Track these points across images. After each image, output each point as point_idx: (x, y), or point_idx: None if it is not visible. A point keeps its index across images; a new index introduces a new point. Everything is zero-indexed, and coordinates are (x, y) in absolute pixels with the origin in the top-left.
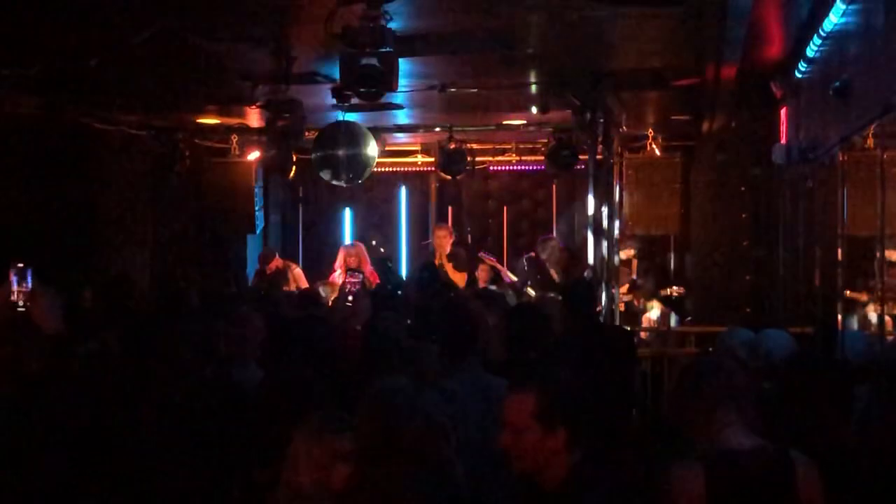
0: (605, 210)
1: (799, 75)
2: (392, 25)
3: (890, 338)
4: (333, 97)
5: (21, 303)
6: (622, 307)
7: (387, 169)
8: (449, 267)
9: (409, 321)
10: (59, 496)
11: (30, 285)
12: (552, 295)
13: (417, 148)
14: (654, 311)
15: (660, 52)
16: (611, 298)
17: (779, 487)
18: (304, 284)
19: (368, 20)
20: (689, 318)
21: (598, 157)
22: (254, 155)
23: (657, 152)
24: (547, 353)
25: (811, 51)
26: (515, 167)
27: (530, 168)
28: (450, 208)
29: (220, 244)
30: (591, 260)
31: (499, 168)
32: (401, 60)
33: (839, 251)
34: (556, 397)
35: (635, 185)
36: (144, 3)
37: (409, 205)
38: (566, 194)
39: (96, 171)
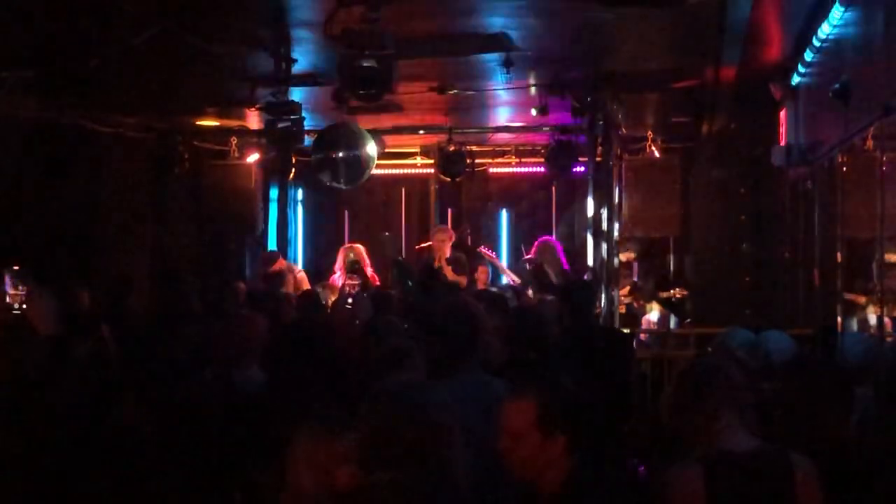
0: (604, 212)
1: (798, 77)
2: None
3: (889, 339)
4: (333, 99)
5: (17, 305)
6: (622, 309)
7: (386, 171)
8: (448, 270)
9: (406, 324)
10: (57, 498)
11: (26, 287)
12: (550, 297)
13: (417, 150)
14: (653, 313)
15: (659, 54)
16: (610, 300)
17: (778, 489)
18: (307, 287)
19: (367, 22)
20: (689, 320)
21: (598, 158)
22: (253, 157)
23: (657, 154)
24: (545, 355)
25: (810, 53)
26: (515, 169)
27: (530, 170)
28: (449, 210)
29: (220, 246)
30: (590, 262)
31: (498, 170)
32: (400, 62)
33: (838, 253)
34: (557, 405)
35: (635, 186)
36: (144, 5)
37: (409, 207)
38: (566, 196)
39: (96, 174)
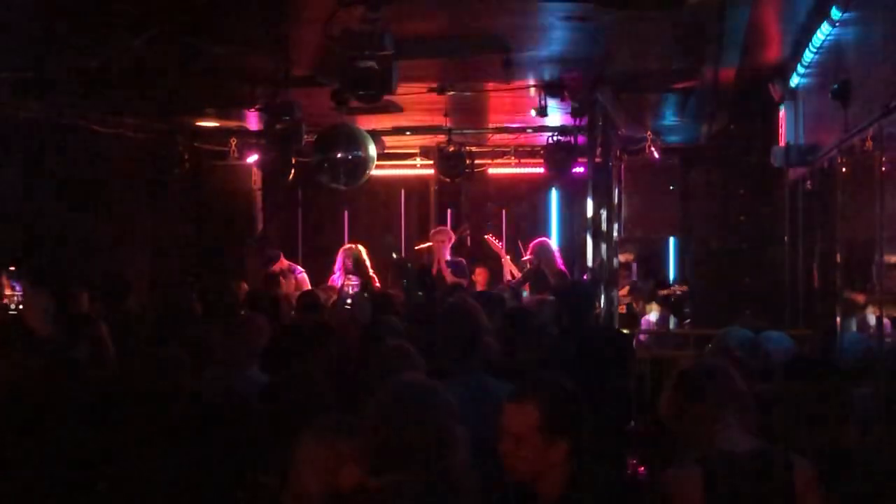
0: (604, 213)
1: (798, 78)
2: (391, 28)
3: (888, 340)
4: (332, 100)
5: (13, 305)
6: (623, 309)
7: (386, 172)
8: (447, 272)
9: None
10: (57, 499)
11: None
12: (550, 297)
13: (416, 151)
14: (653, 314)
15: (659, 55)
16: (610, 301)
17: (777, 489)
18: (307, 287)
19: (367, 23)
20: (689, 321)
21: (597, 159)
22: (253, 157)
23: (656, 155)
24: (544, 356)
25: (810, 53)
26: (514, 170)
27: (529, 171)
28: (448, 211)
29: (220, 247)
30: (589, 262)
31: (498, 171)
32: (399, 63)
33: (838, 253)
34: (560, 410)
35: (634, 187)
36: (144, 6)
37: (408, 208)
38: (565, 197)
39: (95, 174)
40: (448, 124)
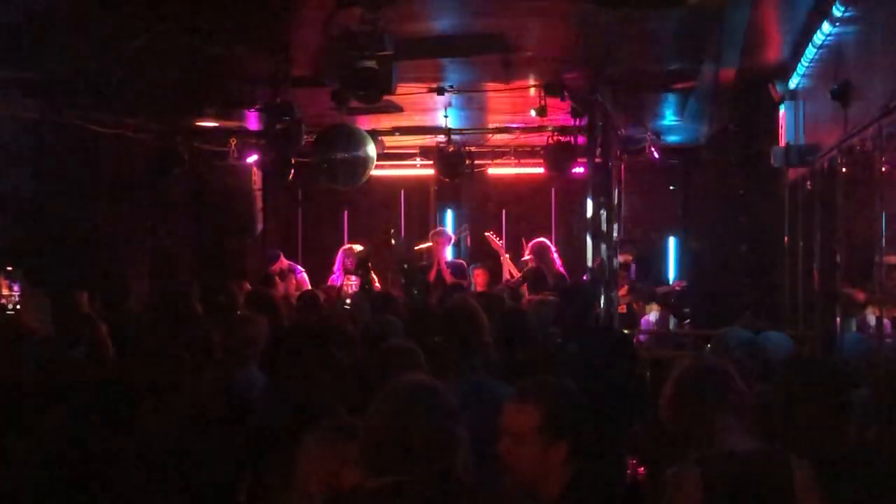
0: (603, 213)
1: (797, 78)
2: (391, 28)
3: (888, 340)
4: (332, 100)
5: (11, 306)
6: (623, 309)
7: (386, 172)
8: (447, 273)
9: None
10: (58, 500)
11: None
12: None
13: (416, 151)
14: (652, 314)
15: (659, 55)
16: (609, 301)
17: (776, 490)
18: (307, 287)
19: (367, 23)
20: (688, 321)
21: (597, 160)
22: (253, 158)
23: (656, 155)
24: (544, 356)
25: (810, 53)
26: (514, 170)
27: (529, 171)
28: (448, 211)
29: (220, 247)
30: (589, 263)
31: (497, 171)
32: (399, 63)
33: (837, 254)
34: (561, 411)
35: (634, 188)
36: (144, 6)
37: (408, 208)
38: (565, 197)
39: (95, 174)
40: (448, 124)
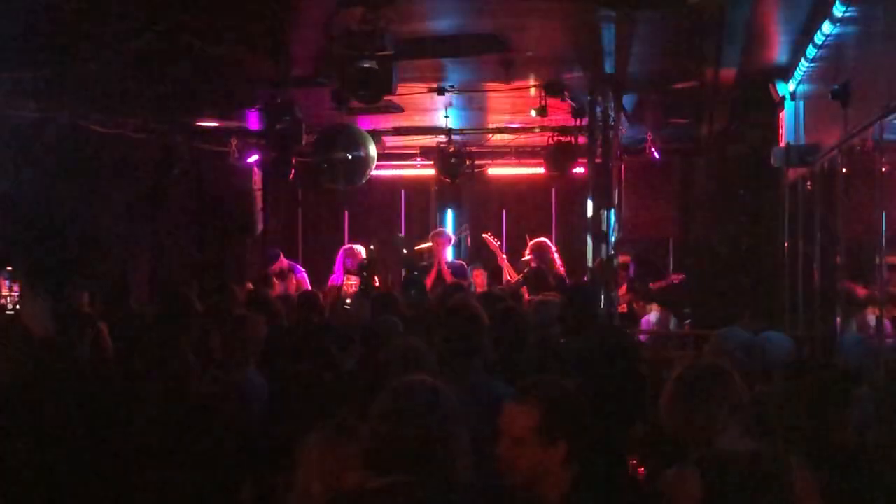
0: (604, 213)
1: (798, 78)
2: (391, 28)
3: (889, 340)
4: (332, 100)
5: (11, 305)
6: (623, 308)
7: (386, 172)
8: (447, 273)
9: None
10: (59, 500)
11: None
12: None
13: (417, 151)
14: (653, 314)
15: (659, 56)
16: (610, 301)
17: (776, 490)
18: (307, 288)
19: (367, 24)
20: (688, 321)
21: (598, 160)
22: (253, 158)
23: (656, 155)
24: (545, 356)
25: (810, 53)
26: (514, 170)
27: (529, 171)
28: (449, 211)
29: (220, 246)
30: (589, 263)
31: (498, 171)
32: (399, 63)
33: (838, 254)
34: (559, 412)
35: (634, 188)
36: (144, 6)
37: (408, 208)
38: (565, 197)
39: (95, 174)
40: (448, 125)
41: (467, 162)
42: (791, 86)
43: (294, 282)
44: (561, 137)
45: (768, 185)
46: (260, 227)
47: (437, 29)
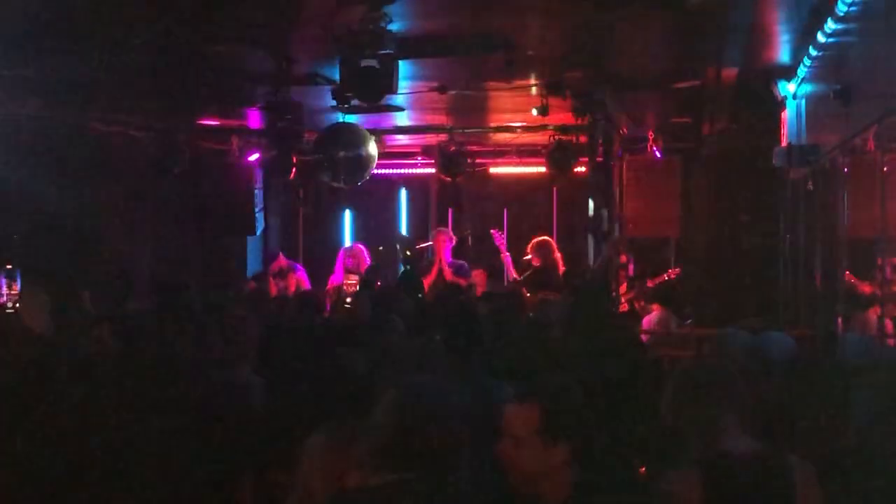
0: (605, 212)
1: (799, 77)
2: (392, 27)
3: (889, 340)
4: (333, 99)
5: (11, 304)
6: (625, 307)
7: (387, 171)
8: (448, 272)
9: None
10: (58, 500)
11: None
12: (552, 296)
13: (417, 150)
14: (654, 314)
15: (660, 55)
16: (611, 300)
17: (777, 492)
18: (306, 287)
19: (368, 22)
20: (689, 321)
21: (599, 159)
22: (254, 156)
23: (657, 154)
24: (553, 357)
25: (812, 53)
26: (515, 169)
27: (530, 170)
28: (449, 210)
29: (220, 245)
30: (591, 262)
31: (499, 170)
32: (401, 62)
33: (839, 253)
34: (561, 413)
35: (635, 187)
36: (145, 5)
37: (409, 207)
38: (566, 196)
39: (96, 173)
40: (449, 123)
41: (468, 161)
42: (793, 85)
43: (294, 281)
44: (562, 137)
45: (770, 185)
46: (260, 226)
47: (438, 28)
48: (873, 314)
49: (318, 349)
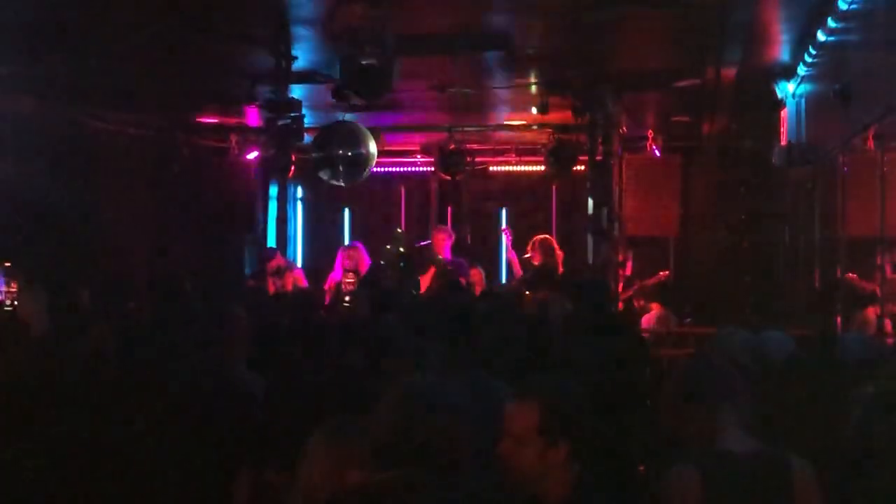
0: (604, 211)
1: (800, 77)
2: (392, 25)
3: (889, 339)
4: (333, 97)
5: (9, 302)
6: (620, 306)
7: (386, 169)
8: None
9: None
10: (57, 499)
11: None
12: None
13: (417, 148)
14: (653, 312)
15: (660, 54)
16: (612, 299)
17: (776, 490)
18: (303, 285)
19: (368, 20)
20: (689, 320)
21: (598, 157)
22: (253, 154)
23: (657, 153)
24: (553, 356)
25: (812, 52)
26: (515, 167)
27: (530, 169)
28: (449, 209)
29: (220, 243)
30: (590, 260)
31: (498, 169)
32: (400, 60)
33: (839, 253)
34: (560, 411)
35: (635, 186)
36: (145, 3)
37: (409, 205)
38: (566, 195)
39: (95, 171)
40: (449, 122)
41: (468, 159)
42: (793, 85)
43: (290, 279)
44: (562, 135)
45: (770, 184)
46: (259, 224)
47: (438, 26)
48: (872, 313)
49: (316, 348)
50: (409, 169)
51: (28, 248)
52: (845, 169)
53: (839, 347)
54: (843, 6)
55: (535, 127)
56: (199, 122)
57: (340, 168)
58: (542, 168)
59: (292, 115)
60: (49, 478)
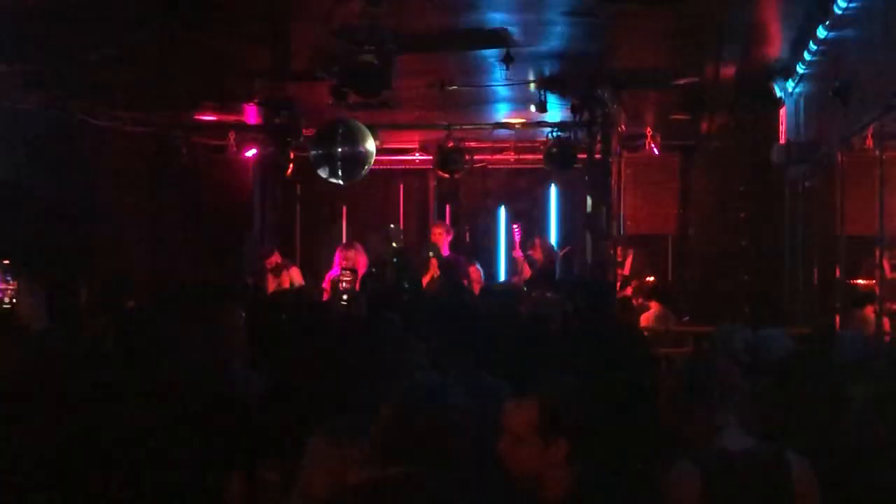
0: (603, 209)
1: (798, 75)
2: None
3: (888, 338)
4: (331, 94)
5: (7, 299)
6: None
7: (385, 167)
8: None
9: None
10: (56, 498)
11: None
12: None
13: (415, 146)
14: (651, 311)
15: (659, 52)
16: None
17: (775, 488)
18: (300, 283)
19: (367, 18)
20: (687, 318)
21: (597, 156)
22: (251, 152)
23: (656, 152)
24: (554, 355)
25: (810, 51)
26: (513, 166)
27: (528, 166)
28: (447, 206)
29: (218, 241)
30: (589, 259)
31: (497, 167)
32: (399, 58)
33: (837, 251)
34: (559, 409)
35: (634, 184)
36: (144, 1)
37: (407, 203)
38: (564, 193)
39: (94, 168)
40: (447, 120)
41: (466, 157)
42: (791, 83)
43: (287, 278)
44: (561, 133)
45: (768, 182)
46: (257, 222)
47: (436, 23)
48: (871, 311)
49: (315, 346)
50: (408, 167)
51: (26, 246)
52: (843, 167)
53: (838, 346)
54: (841, 5)
55: (533, 125)
56: (198, 119)
57: (339, 166)
58: (541, 166)
59: (291, 112)
60: (46, 475)
